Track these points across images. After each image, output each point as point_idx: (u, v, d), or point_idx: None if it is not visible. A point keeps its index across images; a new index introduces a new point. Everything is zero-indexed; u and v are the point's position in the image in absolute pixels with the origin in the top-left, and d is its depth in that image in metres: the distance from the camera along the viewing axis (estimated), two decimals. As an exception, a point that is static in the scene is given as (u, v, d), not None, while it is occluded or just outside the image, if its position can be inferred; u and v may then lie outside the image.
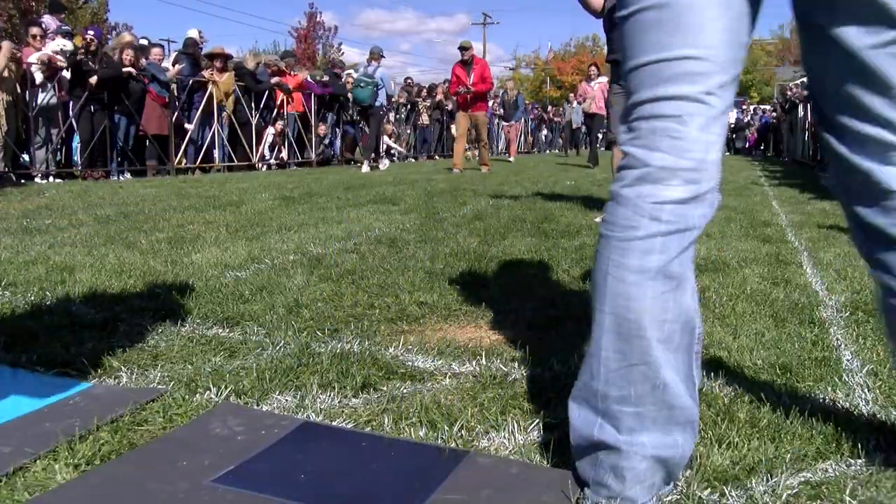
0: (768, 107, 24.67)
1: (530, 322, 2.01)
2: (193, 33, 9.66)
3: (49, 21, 8.32)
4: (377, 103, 9.78)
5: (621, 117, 1.05)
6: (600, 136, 13.87)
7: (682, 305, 1.02)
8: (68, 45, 7.49)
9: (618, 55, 4.60)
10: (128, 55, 8.03)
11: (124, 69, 7.93)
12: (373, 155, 10.20)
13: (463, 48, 9.73)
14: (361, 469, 1.19)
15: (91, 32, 7.97)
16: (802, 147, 13.62)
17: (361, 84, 9.68)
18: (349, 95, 11.40)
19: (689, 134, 0.98)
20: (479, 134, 10.06)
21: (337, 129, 11.80)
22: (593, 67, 12.46)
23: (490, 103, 17.66)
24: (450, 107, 14.87)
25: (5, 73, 6.72)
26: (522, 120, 19.04)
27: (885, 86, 0.98)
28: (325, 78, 11.33)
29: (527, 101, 23.99)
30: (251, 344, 1.80)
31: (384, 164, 10.55)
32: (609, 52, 4.89)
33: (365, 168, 9.61)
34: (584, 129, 14.90)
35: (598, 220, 5.04)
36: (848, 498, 1.09)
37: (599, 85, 11.69)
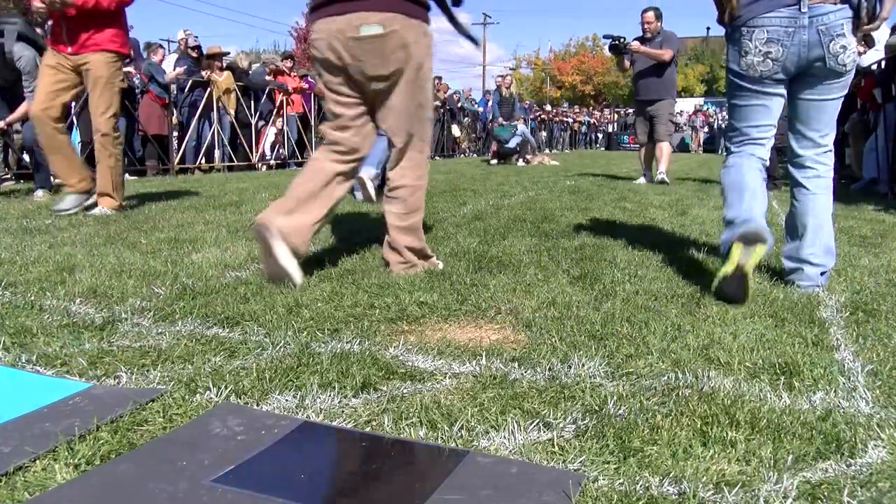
0: None
1: (530, 322, 2.01)
2: (182, 34, 9.51)
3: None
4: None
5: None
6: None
7: None
8: None
9: (644, 96, 7.51)
10: None
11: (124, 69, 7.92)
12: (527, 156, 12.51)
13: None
14: (361, 469, 1.19)
15: None
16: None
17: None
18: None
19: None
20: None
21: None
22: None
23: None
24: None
25: None
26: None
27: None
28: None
29: (524, 101, 23.71)
30: (251, 344, 1.80)
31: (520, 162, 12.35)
32: (636, 94, 7.51)
33: (521, 162, 12.25)
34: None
35: (660, 176, 7.44)
36: (847, 498, 1.09)
37: None
